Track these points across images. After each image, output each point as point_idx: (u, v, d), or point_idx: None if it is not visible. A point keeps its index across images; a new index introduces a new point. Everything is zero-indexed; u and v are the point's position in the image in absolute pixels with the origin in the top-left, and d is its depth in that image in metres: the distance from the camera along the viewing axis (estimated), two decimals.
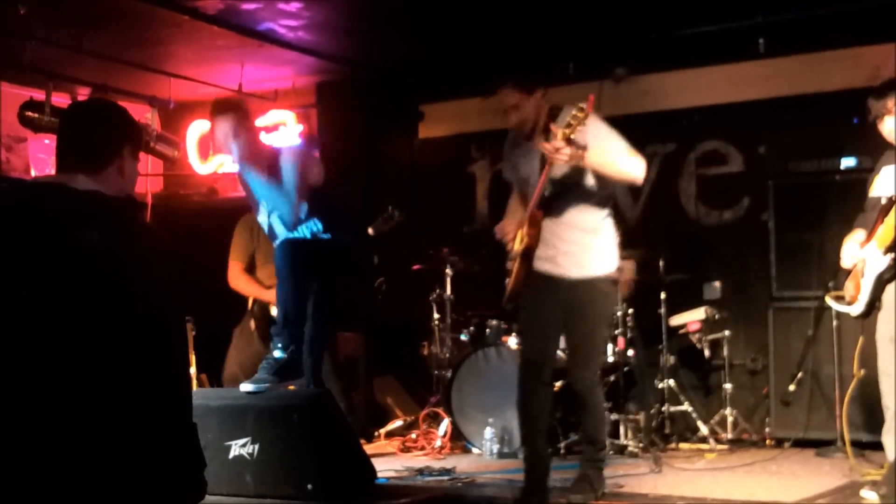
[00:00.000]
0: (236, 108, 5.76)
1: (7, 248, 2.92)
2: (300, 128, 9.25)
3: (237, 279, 7.18)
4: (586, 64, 8.29)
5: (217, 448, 5.31)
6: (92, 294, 2.87)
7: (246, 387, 5.49)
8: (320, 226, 5.71)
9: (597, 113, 4.87)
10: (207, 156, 9.49)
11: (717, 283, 7.95)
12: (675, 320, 7.62)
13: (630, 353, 7.23)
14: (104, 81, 8.42)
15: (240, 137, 5.60)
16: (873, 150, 5.82)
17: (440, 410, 7.45)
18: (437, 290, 7.90)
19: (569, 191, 5.08)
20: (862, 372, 5.81)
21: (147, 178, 9.04)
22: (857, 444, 6.28)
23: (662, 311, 7.51)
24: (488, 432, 6.97)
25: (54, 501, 2.82)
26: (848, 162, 7.33)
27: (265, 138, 8.87)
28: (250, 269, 7.22)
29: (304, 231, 5.76)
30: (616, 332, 7.18)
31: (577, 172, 5.06)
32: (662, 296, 7.50)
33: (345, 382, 7.25)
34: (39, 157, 8.86)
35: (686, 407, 7.40)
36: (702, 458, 6.88)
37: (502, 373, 6.93)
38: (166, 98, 8.75)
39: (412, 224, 8.43)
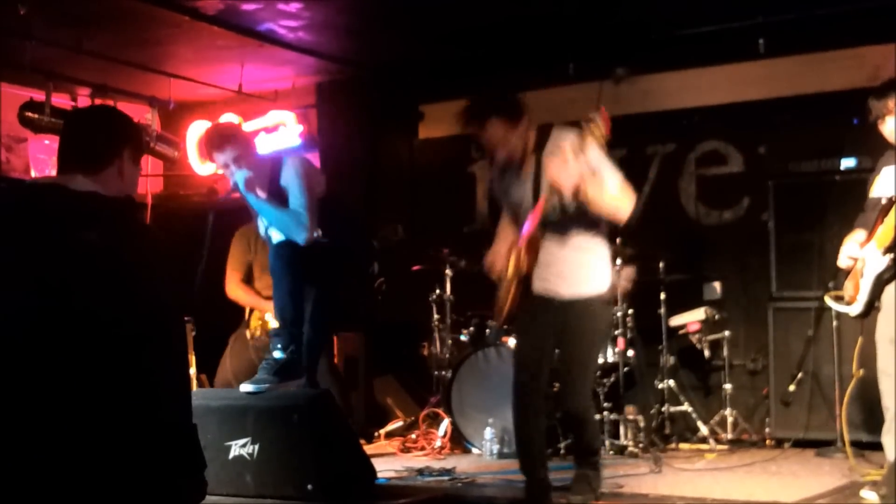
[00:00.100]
0: (234, 139, 5.67)
1: (6, 249, 2.93)
2: (300, 128, 9.25)
3: (234, 289, 7.19)
4: (586, 64, 8.29)
5: (217, 448, 5.31)
6: (91, 294, 2.87)
7: (246, 387, 5.49)
8: (319, 233, 5.69)
9: (595, 137, 4.74)
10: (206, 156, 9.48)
11: (717, 284, 7.96)
12: (675, 321, 7.62)
13: (630, 353, 7.23)
14: (104, 82, 8.43)
15: (241, 165, 5.57)
16: (873, 150, 5.82)
17: (440, 411, 7.45)
18: (437, 291, 7.90)
19: (564, 213, 4.99)
20: (861, 372, 5.81)
21: (147, 179, 9.04)
22: (856, 445, 6.28)
23: (662, 311, 7.51)
24: (488, 432, 6.97)
25: (54, 501, 2.83)
26: (848, 162, 7.33)
27: (265, 143, 8.90)
28: (248, 279, 7.23)
29: None
30: (616, 332, 7.18)
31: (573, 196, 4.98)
32: (662, 296, 7.50)
33: (341, 384, 7.25)
34: (39, 158, 8.87)
35: (686, 407, 7.40)
36: (702, 458, 6.87)
37: (502, 373, 6.91)
38: (166, 98, 8.75)
39: (412, 224, 8.45)
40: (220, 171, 5.74)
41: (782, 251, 7.45)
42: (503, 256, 5.15)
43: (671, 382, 7.45)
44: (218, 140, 5.65)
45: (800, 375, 7.07)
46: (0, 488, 2.81)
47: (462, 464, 6.67)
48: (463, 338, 7.74)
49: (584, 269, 5.10)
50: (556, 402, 5.35)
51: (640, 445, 6.94)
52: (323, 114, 9.37)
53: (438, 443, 7.28)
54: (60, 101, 8.24)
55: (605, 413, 7.08)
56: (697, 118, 8.17)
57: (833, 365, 6.85)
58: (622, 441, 7.04)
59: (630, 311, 7.29)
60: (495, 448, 6.94)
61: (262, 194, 5.57)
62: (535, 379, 5.17)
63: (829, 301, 5.74)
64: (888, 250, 5.03)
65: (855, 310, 5.27)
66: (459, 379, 7.24)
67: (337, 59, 8.64)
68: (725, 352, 7.53)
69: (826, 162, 7.51)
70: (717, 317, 7.59)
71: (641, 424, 7.16)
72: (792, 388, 7.07)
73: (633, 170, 8.29)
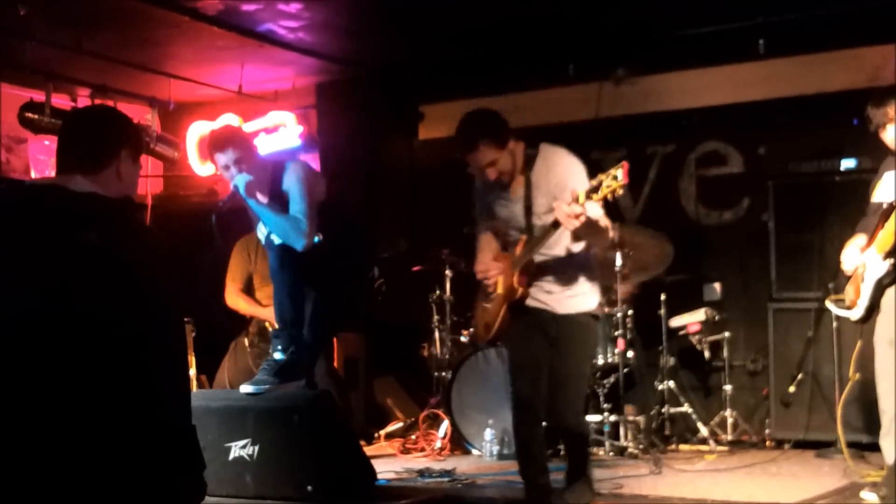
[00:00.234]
0: (235, 140, 5.65)
1: (6, 249, 2.93)
2: (300, 129, 9.24)
3: (234, 298, 7.19)
4: (586, 64, 8.30)
5: (217, 449, 5.31)
6: (91, 295, 2.87)
7: (246, 388, 5.49)
8: (320, 236, 5.69)
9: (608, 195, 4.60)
10: (207, 157, 9.48)
11: (717, 285, 7.96)
12: (675, 321, 7.62)
13: (630, 354, 7.22)
14: (104, 82, 8.43)
15: (242, 168, 5.56)
16: (873, 151, 5.82)
17: (440, 412, 7.45)
18: (437, 292, 7.90)
19: (549, 235, 4.94)
20: (858, 375, 5.81)
21: (147, 180, 9.04)
22: (856, 446, 6.28)
23: (662, 312, 7.51)
24: (488, 433, 6.97)
25: (54, 501, 2.83)
26: (848, 163, 7.33)
27: (265, 144, 8.89)
28: (248, 290, 7.22)
29: None
30: (616, 333, 7.18)
31: (551, 221, 4.91)
32: (662, 297, 7.50)
33: (340, 386, 7.24)
34: (39, 159, 8.86)
35: (686, 408, 7.40)
36: (702, 459, 6.87)
37: (502, 374, 6.91)
38: (166, 99, 8.75)
39: (412, 225, 8.45)
40: (221, 173, 5.73)
41: (782, 252, 7.44)
42: (496, 269, 5.15)
43: (671, 383, 7.44)
44: (220, 141, 5.64)
45: (800, 376, 7.07)
46: (0, 488, 2.81)
47: (462, 465, 6.67)
48: (463, 339, 7.75)
49: (577, 286, 5.10)
50: (550, 418, 5.28)
51: (640, 446, 6.94)
52: (323, 114, 9.36)
53: (438, 444, 7.28)
54: (60, 101, 8.23)
55: (605, 414, 7.08)
56: (697, 119, 8.17)
57: (833, 366, 6.85)
58: (622, 442, 7.04)
59: (630, 312, 7.28)
60: (495, 449, 6.94)
61: (262, 199, 5.55)
62: (533, 386, 5.16)
63: (829, 305, 5.74)
64: (888, 255, 5.02)
65: (856, 314, 5.26)
66: (459, 380, 7.23)
67: (337, 60, 8.63)
68: (725, 353, 7.53)
69: (826, 162, 7.52)
70: (717, 317, 7.59)
71: (641, 425, 7.16)
72: (792, 389, 7.06)
73: (633, 170, 8.34)
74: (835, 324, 6.78)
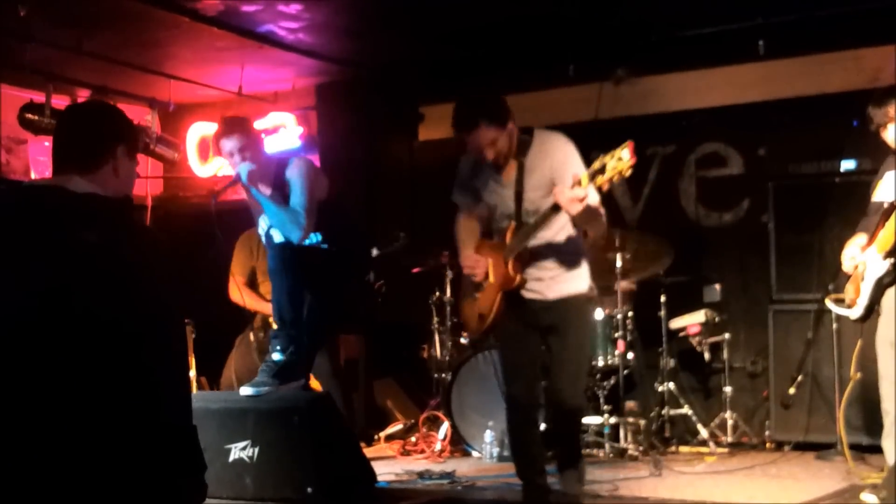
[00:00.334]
0: (242, 128, 5.69)
1: (6, 250, 2.93)
2: (300, 130, 9.25)
3: (236, 293, 7.22)
4: (586, 65, 8.29)
5: (217, 451, 5.31)
6: (91, 295, 2.87)
7: (246, 390, 5.49)
8: (320, 237, 5.69)
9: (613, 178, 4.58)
10: (207, 158, 9.48)
11: (717, 286, 7.95)
12: (675, 323, 7.61)
13: (630, 355, 7.22)
14: (104, 83, 8.43)
15: (246, 156, 5.57)
16: (873, 152, 5.81)
17: (440, 413, 7.44)
18: (437, 293, 7.89)
19: (548, 222, 4.94)
20: (858, 375, 5.81)
21: (147, 181, 9.04)
22: (856, 448, 6.27)
23: (662, 313, 7.50)
24: (488, 435, 6.96)
25: (55, 502, 2.82)
26: (848, 164, 7.33)
27: (270, 146, 8.90)
28: (251, 284, 7.26)
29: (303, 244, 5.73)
30: (616, 334, 7.18)
31: (551, 205, 4.89)
32: (662, 298, 7.49)
33: (345, 386, 7.25)
34: (39, 160, 8.86)
35: (686, 410, 7.39)
36: (702, 461, 6.87)
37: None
38: (166, 100, 8.75)
39: (412, 226, 8.44)
40: (225, 161, 5.75)
41: (782, 253, 7.43)
42: (483, 259, 5.10)
43: (671, 385, 7.44)
44: (227, 127, 5.68)
45: (800, 378, 7.06)
46: (0, 488, 2.81)
47: (462, 467, 6.66)
48: (463, 340, 7.74)
49: (568, 269, 5.06)
50: (550, 402, 5.28)
51: (640, 448, 6.94)
52: (323, 115, 9.36)
53: (438, 446, 7.27)
54: (60, 102, 8.23)
55: (605, 416, 7.07)
56: (697, 120, 8.17)
57: (833, 367, 6.84)
58: (622, 444, 7.03)
59: (630, 314, 7.28)
60: (495, 451, 6.93)
61: (264, 189, 5.57)
62: (527, 388, 5.14)
63: (829, 304, 5.74)
64: (889, 255, 5.03)
65: (855, 313, 5.27)
66: (459, 381, 7.23)
67: (337, 61, 8.63)
68: (725, 354, 7.52)
69: (826, 164, 7.51)
70: (717, 319, 7.58)
71: (641, 427, 7.15)
72: (792, 390, 7.05)
73: (632, 171, 8.34)
74: (835, 325, 6.78)
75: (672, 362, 7.51)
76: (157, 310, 3.00)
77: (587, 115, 8.21)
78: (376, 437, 7.81)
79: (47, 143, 8.50)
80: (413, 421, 7.86)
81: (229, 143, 5.59)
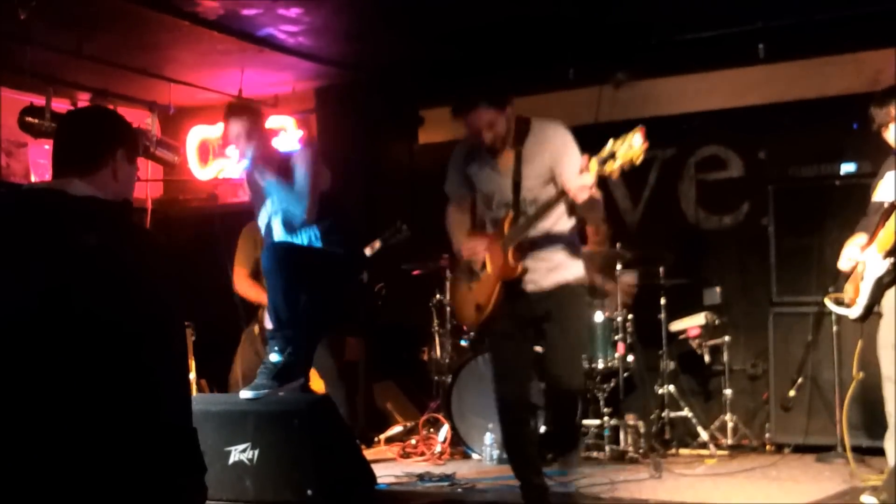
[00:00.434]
0: (250, 111, 5.79)
1: (5, 252, 2.93)
2: (300, 133, 9.25)
3: (242, 284, 7.27)
4: (586, 68, 8.30)
5: (217, 453, 5.30)
6: (91, 297, 2.87)
7: (245, 394, 5.48)
8: (318, 233, 5.69)
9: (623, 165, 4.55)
10: (207, 161, 9.49)
11: (717, 289, 7.95)
12: (675, 325, 7.62)
13: (630, 358, 7.22)
14: (104, 86, 8.44)
15: (253, 140, 5.62)
16: (873, 155, 5.82)
17: (440, 416, 7.45)
18: (437, 296, 7.89)
19: (550, 211, 4.92)
20: (861, 375, 5.81)
21: (147, 184, 9.05)
22: (857, 450, 6.27)
23: (662, 316, 7.50)
24: (488, 438, 6.96)
25: (55, 502, 2.83)
26: (848, 167, 7.33)
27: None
28: (256, 276, 7.28)
29: (301, 237, 5.75)
30: (616, 337, 7.18)
31: (551, 190, 4.91)
32: (662, 301, 7.50)
33: (348, 388, 7.25)
34: (39, 163, 8.87)
35: (686, 412, 7.39)
36: (702, 463, 6.87)
37: None
38: (166, 103, 8.76)
39: (412, 229, 8.43)
40: (232, 144, 5.80)
41: (782, 256, 7.44)
42: (482, 248, 5.04)
43: (671, 387, 7.44)
44: (237, 108, 5.78)
45: (800, 380, 7.06)
46: (0, 489, 2.81)
47: (462, 469, 6.66)
48: (463, 343, 7.74)
49: (563, 258, 5.02)
50: (549, 389, 5.27)
51: (640, 451, 6.95)
52: (323, 119, 9.37)
53: (438, 448, 7.27)
54: (60, 105, 8.24)
55: (605, 418, 7.07)
56: (697, 123, 8.18)
57: (833, 370, 6.84)
58: (622, 446, 7.03)
59: (630, 316, 7.29)
60: (495, 453, 6.92)
61: (269, 174, 5.61)
62: (520, 389, 5.12)
63: (828, 303, 5.74)
64: (889, 254, 5.04)
65: (854, 312, 5.28)
66: (459, 384, 7.23)
67: (337, 64, 8.64)
68: (725, 357, 7.53)
69: (826, 167, 7.51)
70: (717, 322, 7.58)
71: (641, 430, 7.15)
72: (792, 393, 7.06)
73: (632, 174, 8.34)
74: (835, 327, 6.78)
75: (672, 365, 7.51)
76: (157, 311, 2.99)
77: (587, 119, 8.21)
78: (376, 439, 7.81)
79: (47, 146, 8.51)
80: (413, 423, 7.86)
81: (236, 126, 5.65)
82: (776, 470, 6.54)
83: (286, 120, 9.28)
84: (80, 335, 2.85)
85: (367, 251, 7.34)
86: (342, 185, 8.19)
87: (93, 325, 2.86)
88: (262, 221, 5.86)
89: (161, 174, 9.58)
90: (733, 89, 8.07)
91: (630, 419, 7.13)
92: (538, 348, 5.32)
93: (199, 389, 7.67)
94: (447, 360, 7.81)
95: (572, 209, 4.93)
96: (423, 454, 7.29)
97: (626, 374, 7.19)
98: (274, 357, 5.51)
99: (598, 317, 7.25)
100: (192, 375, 7.14)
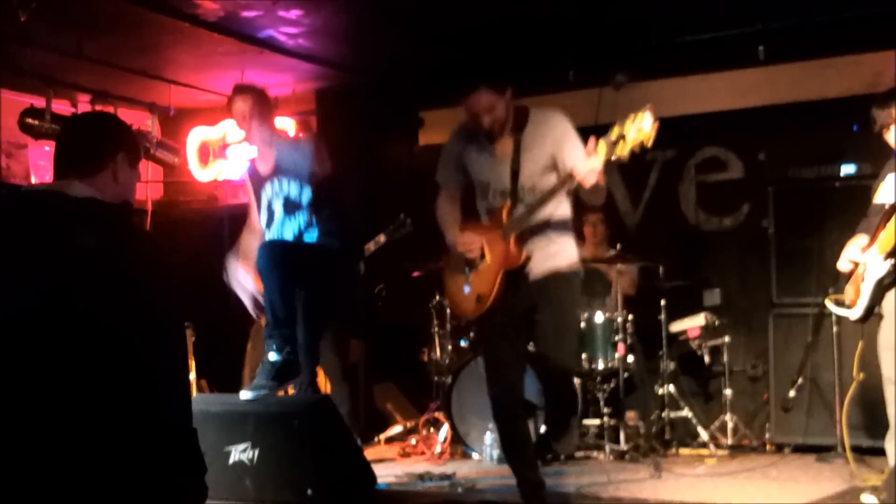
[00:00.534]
0: (256, 90, 5.86)
1: (5, 253, 2.93)
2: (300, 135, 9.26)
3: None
4: (586, 70, 8.30)
5: (217, 453, 5.30)
6: (91, 298, 2.87)
7: (245, 394, 5.48)
8: (314, 221, 5.69)
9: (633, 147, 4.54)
10: (207, 162, 9.50)
11: (717, 290, 7.96)
12: (675, 326, 7.62)
13: (630, 359, 7.23)
14: (104, 88, 8.45)
15: (259, 118, 5.67)
16: (873, 156, 5.82)
17: (440, 416, 7.45)
18: (437, 297, 7.90)
19: (552, 197, 4.88)
20: (861, 375, 5.81)
21: (147, 185, 9.06)
22: (857, 450, 6.27)
23: (662, 317, 7.51)
24: (488, 438, 6.96)
25: (55, 502, 2.83)
26: (848, 168, 7.33)
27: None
28: None
29: (299, 219, 5.74)
30: (616, 338, 7.19)
31: (551, 178, 4.88)
32: (662, 302, 7.50)
33: (352, 387, 7.26)
34: (39, 164, 8.88)
35: (686, 413, 7.40)
36: (702, 463, 6.88)
37: None
38: (166, 105, 8.77)
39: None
40: (237, 123, 5.83)
41: (782, 257, 7.44)
42: (479, 239, 4.98)
43: (671, 388, 7.45)
44: (241, 90, 5.84)
45: (800, 381, 7.06)
46: (0, 489, 2.82)
47: (462, 469, 6.67)
48: (463, 343, 7.75)
49: (557, 244, 4.98)
50: (543, 371, 5.22)
51: (641, 451, 6.95)
52: (323, 120, 9.37)
53: (438, 448, 7.28)
54: (61, 107, 8.25)
55: (606, 418, 7.08)
56: (698, 124, 8.18)
57: (833, 370, 6.84)
58: (622, 446, 7.04)
59: (630, 317, 7.30)
60: (495, 453, 6.93)
61: (277, 139, 5.78)
62: (511, 385, 5.08)
63: (829, 304, 5.74)
64: (889, 255, 5.04)
65: (855, 314, 5.28)
66: (459, 384, 7.23)
67: (337, 66, 8.64)
68: (725, 357, 7.53)
69: (826, 168, 7.51)
70: (717, 322, 7.59)
71: (642, 430, 7.17)
72: (792, 393, 7.05)
73: (633, 175, 8.39)
74: (835, 329, 6.78)
75: (672, 365, 7.52)
76: (157, 313, 3.00)
77: (587, 120, 8.18)
78: (376, 439, 7.82)
79: (47, 147, 8.53)
80: (413, 423, 7.87)
81: (242, 104, 5.72)
82: (776, 470, 6.55)
83: (286, 121, 9.29)
84: (79, 336, 2.85)
85: (371, 246, 7.36)
86: (342, 186, 8.22)
87: (92, 327, 2.86)
88: (262, 215, 5.87)
89: (161, 175, 9.60)
90: (733, 91, 8.08)
91: (630, 419, 7.13)
92: (532, 347, 5.30)
93: (199, 390, 7.67)
94: (447, 361, 7.82)
95: (575, 194, 4.88)
96: (423, 454, 7.31)
97: (626, 375, 7.19)
98: (272, 356, 5.51)
99: (599, 317, 7.26)
100: (192, 376, 7.14)
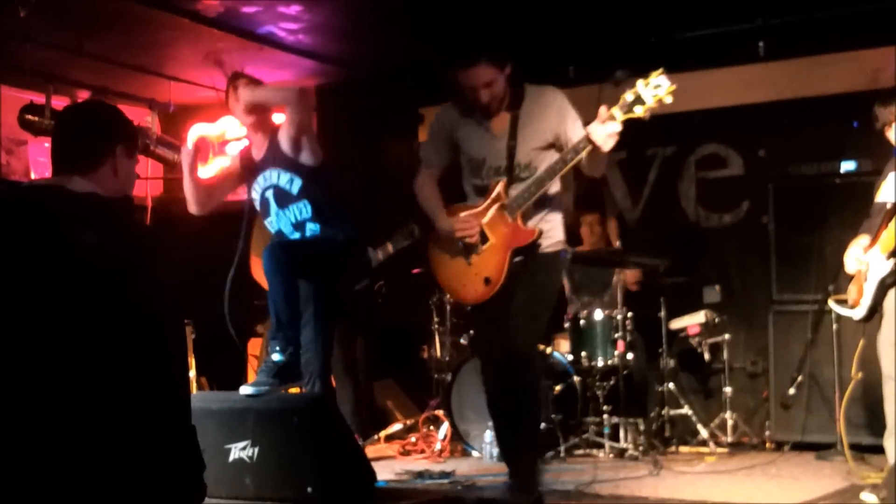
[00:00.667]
0: (252, 78, 5.93)
1: (5, 250, 2.93)
2: None
3: (260, 273, 7.26)
4: (586, 67, 8.28)
5: (217, 451, 5.30)
6: (91, 295, 2.87)
7: (245, 390, 5.48)
8: (310, 210, 5.67)
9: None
10: (208, 159, 9.48)
11: (717, 287, 7.95)
12: (675, 324, 7.62)
13: (630, 356, 7.22)
14: (104, 84, 8.43)
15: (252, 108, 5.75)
16: (873, 153, 5.82)
17: (440, 413, 7.45)
18: (437, 294, 7.89)
19: (561, 173, 4.81)
20: (860, 374, 5.81)
21: (147, 182, 9.04)
22: (857, 447, 6.27)
23: (662, 314, 7.50)
24: (488, 435, 6.96)
25: (55, 502, 2.83)
26: (848, 165, 7.34)
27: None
28: None
29: (294, 211, 5.73)
30: (616, 335, 7.18)
31: (548, 154, 4.85)
32: (662, 299, 7.49)
33: (355, 383, 7.26)
34: (39, 161, 8.87)
35: (686, 410, 7.39)
36: (702, 461, 6.87)
37: None
38: (166, 101, 8.76)
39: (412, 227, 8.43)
40: (233, 114, 5.95)
41: (782, 254, 7.44)
42: (475, 221, 4.87)
43: (671, 385, 7.44)
44: (238, 74, 5.94)
45: (800, 378, 7.06)
46: (0, 489, 2.81)
47: (462, 467, 6.66)
48: (463, 341, 7.75)
49: (549, 222, 4.93)
50: (496, 358, 4.97)
51: (640, 448, 6.94)
52: (322, 116, 9.35)
53: (438, 446, 7.27)
54: (61, 103, 8.22)
55: (605, 416, 7.07)
56: (697, 121, 8.17)
57: (833, 368, 6.85)
58: (622, 444, 7.03)
59: (630, 314, 7.29)
60: (495, 451, 6.91)
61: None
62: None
63: (832, 304, 5.74)
64: (892, 255, 5.04)
65: (858, 313, 5.28)
66: (459, 382, 7.23)
67: (337, 62, 8.64)
68: (725, 355, 7.53)
69: (826, 165, 7.51)
70: (717, 320, 7.59)
71: (641, 427, 7.16)
72: (792, 391, 7.06)
73: (633, 172, 8.38)
74: (835, 326, 6.78)
75: (672, 363, 7.52)
76: (157, 310, 3.00)
77: (587, 117, 8.17)
78: (376, 436, 7.81)
79: (47, 144, 8.45)
80: (413, 421, 7.86)
81: (240, 82, 5.79)
82: (776, 467, 6.55)
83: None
84: (79, 335, 2.85)
85: (379, 255, 7.35)
86: (342, 182, 8.21)
87: (92, 326, 2.86)
88: (255, 196, 5.89)
89: (161, 172, 9.58)
90: (733, 87, 8.06)
91: (630, 417, 7.13)
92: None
93: (199, 387, 7.67)
94: (447, 358, 7.82)
95: (590, 161, 4.77)
96: (422, 452, 7.30)
97: (625, 372, 7.19)
98: (276, 356, 5.52)
99: (598, 314, 7.26)
100: (192, 373, 7.14)
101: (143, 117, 8.69)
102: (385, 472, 6.20)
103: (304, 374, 5.62)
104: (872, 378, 5.39)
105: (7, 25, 7.08)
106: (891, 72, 7.03)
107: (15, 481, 2.81)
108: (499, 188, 4.86)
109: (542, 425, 6.35)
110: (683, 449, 7.32)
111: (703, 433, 7.28)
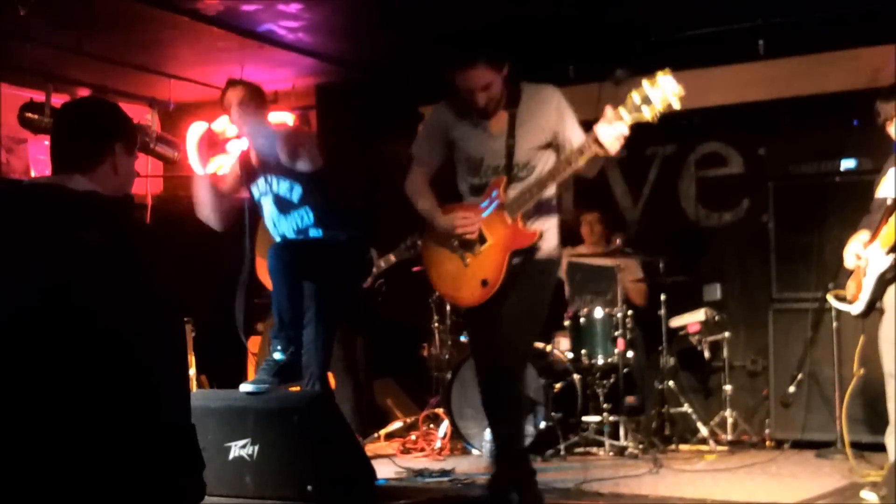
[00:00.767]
0: (247, 84, 5.87)
1: (6, 249, 2.93)
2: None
3: (265, 273, 7.27)
4: (586, 66, 8.29)
5: (217, 449, 5.30)
6: (91, 294, 2.87)
7: (246, 387, 5.49)
8: (311, 217, 5.68)
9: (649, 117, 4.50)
10: (208, 158, 9.47)
11: (717, 285, 7.95)
12: (675, 322, 7.62)
13: (630, 354, 7.23)
14: (104, 83, 8.43)
15: (245, 109, 5.68)
16: (873, 151, 5.81)
17: (440, 412, 7.45)
18: (437, 292, 7.89)
19: (564, 173, 4.74)
20: (861, 371, 5.81)
21: (147, 180, 9.04)
22: (857, 445, 6.27)
23: (662, 312, 7.50)
24: (488, 433, 6.95)
25: (54, 501, 2.83)
26: (848, 163, 7.34)
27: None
28: None
29: (294, 218, 5.73)
30: (616, 333, 7.19)
31: (546, 153, 4.81)
32: (662, 297, 7.50)
33: (355, 381, 7.25)
34: (39, 159, 8.87)
35: (686, 408, 7.40)
36: (702, 459, 6.87)
37: None
38: (166, 99, 8.76)
39: (411, 226, 8.44)
40: (228, 113, 5.84)
41: (782, 252, 7.45)
42: (475, 220, 4.79)
43: (671, 383, 7.45)
44: (234, 81, 5.89)
45: (799, 377, 7.07)
46: (0, 488, 2.81)
47: (462, 465, 6.66)
48: (462, 339, 7.74)
49: (544, 226, 4.86)
50: (484, 366, 4.92)
51: (640, 446, 6.95)
52: (322, 115, 9.37)
53: (438, 444, 7.28)
54: (60, 102, 8.22)
55: (605, 414, 7.08)
56: (697, 120, 8.15)
57: (833, 366, 6.85)
58: (622, 442, 7.04)
59: (630, 312, 7.29)
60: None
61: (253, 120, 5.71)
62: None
63: (830, 299, 5.74)
64: (891, 250, 5.04)
65: (856, 309, 5.28)
66: (459, 380, 7.24)
67: (336, 61, 8.64)
68: (725, 353, 7.53)
69: (826, 163, 7.51)
70: (717, 318, 7.59)
71: (641, 425, 7.16)
72: (792, 389, 7.07)
73: (633, 171, 8.38)
74: (835, 324, 6.79)
75: (672, 361, 7.52)
76: (157, 309, 3.00)
77: (587, 116, 8.15)
78: (376, 435, 7.82)
79: (47, 142, 8.46)
80: (413, 419, 7.86)
81: (234, 95, 5.72)
82: (776, 466, 6.55)
83: (286, 116, 9.27)
84: (79, 333, 2.85)
85: (382, 264, 7.36)
86: (342, 181, 8.21)
87: (92, 323, 2.86)
88: (255, 194, 5.90)
89: (161, 170, 9.58)
90: (733, 86, 8.06)
91: (630, 415, 7.13)
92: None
93: (199, 385, 7.66)
94: (447, 357, 7.82)
95: (590, 163, 4.69)
96: (423, 450, 7.30)
97: (625, 370, 7.19)
98: (277, 355, 5.53)
99: (598, 313, 7.26)
100: (193, 371, 7.14)
101: (143, 115, 8.69)
102: (385, 471, 6.20)
103: (304, 374, 5.63)
104: (872, 376, 5.39)
105: (7, 24, 7.07)
106: (890, 70, 7.03)
107: (15, 481, 2.81)
108: (499, 187, 4.82)
109: (543, 424, 6.35)
110: (683, 447, 7.32)
111: (703, 431, 7.29)
